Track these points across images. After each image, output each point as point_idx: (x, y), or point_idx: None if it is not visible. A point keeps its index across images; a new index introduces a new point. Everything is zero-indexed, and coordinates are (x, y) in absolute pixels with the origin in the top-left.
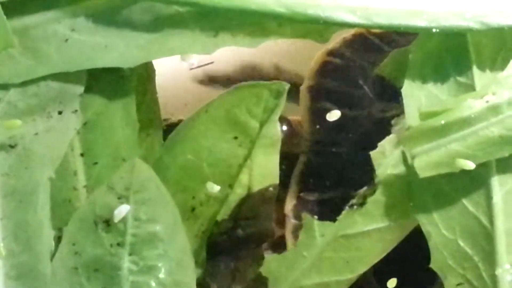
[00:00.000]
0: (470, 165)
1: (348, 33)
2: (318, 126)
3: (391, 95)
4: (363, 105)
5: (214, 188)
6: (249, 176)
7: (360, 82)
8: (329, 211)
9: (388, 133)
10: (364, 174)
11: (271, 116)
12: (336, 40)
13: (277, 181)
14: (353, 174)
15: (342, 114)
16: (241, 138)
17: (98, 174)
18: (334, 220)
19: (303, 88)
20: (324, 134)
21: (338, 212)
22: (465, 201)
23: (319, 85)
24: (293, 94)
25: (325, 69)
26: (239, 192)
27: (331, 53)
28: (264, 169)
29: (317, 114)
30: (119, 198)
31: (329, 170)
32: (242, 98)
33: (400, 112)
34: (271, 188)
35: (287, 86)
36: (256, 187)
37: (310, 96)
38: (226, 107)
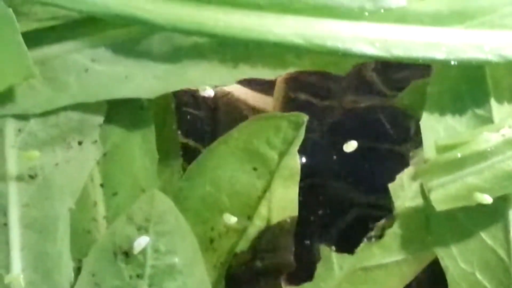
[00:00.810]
0: (487, 199)
1: None
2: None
3: (365, 88)
4: (335, 96)
5: (232, 219)
6: (268, 208)
7: (336, 76)
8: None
9: (359, 123)
10: (335, 159)
11: (290, 148)
12: None
13: (296, 213)
14: (325, 160)
15: (315, 104)
16: (260, 170)
17: (118, 204)
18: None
19: (279, 80)
20: None
21: (313, 199)
22: (483, 234)
23: (295, 77)
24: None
25: None
26: (258, 224)
27: None
28: (283, 202)
29: (290, 104)
30: (138, 230)
31: (301, 156)
32: (261, 129)
33: (373, 105)
34: (289, 220)
35: (306, 117)
36: (275, 219)
37: (285, 87)
38: (245, 138)
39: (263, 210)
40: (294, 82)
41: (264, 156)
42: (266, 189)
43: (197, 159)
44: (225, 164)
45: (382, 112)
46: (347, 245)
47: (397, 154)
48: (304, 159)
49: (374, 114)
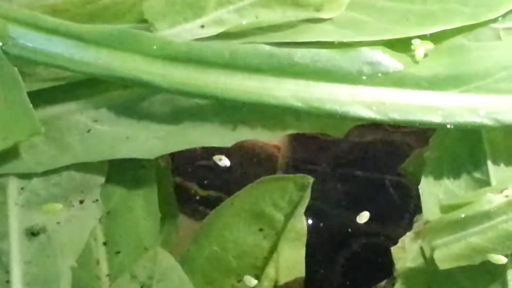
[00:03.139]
0: (502, 259)
1: None
2: (297, 148)
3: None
4: None
5: (252, 282)
6: (275, 269)
7: None
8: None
9: (364, 154)
10: (339, 190)
11: (297, 210)
12: None
13: (303, 274)
14: (331, 190)
15: (321, 138)
16: (266, 230)
17: (121, 263)
18: None
19: None
20: (302, 154)
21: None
22: None
23: None
24: None
25: None
26: (265, 285)
27: None
28: (290, 263)
29: (297, 138)
30: (142, 287)
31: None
32: (267, 191)
33: (375, 139)
34: (297, 281)
35: (311, 179)
36: (282, 280)
37: None
38: (251, 200)
39: (270, 271)
40: None
41: (270, 217)
42: (272, 250)
43: (204, 220)
44: (232, 225)
45: (385, 145)
46: None
47: (403, 187)
48: (310, 221)
49: (377, 148)
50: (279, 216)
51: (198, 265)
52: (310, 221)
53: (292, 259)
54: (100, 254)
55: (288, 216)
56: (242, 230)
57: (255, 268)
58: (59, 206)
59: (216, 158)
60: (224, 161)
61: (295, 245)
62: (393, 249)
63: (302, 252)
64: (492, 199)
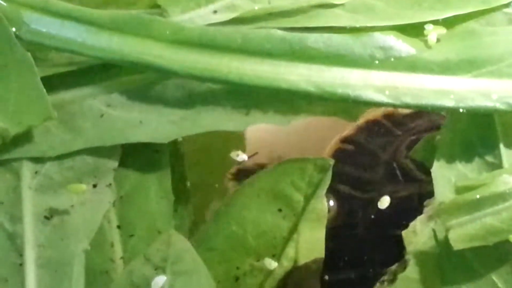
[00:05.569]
0: None
1: (361, 120)
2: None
3: (400, 177)
4: (374, 188)
5: (272, 264)
6: (295, 250)
7: (372, 166)
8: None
9: (399, 213)
10: (381, 252)
11: (317, 192)
12: (349, 127)
13: (322, 255)
14: (370, 254)
15: (356, 196)
16: (286, 211)
17: (134, 246)
18: None
19: None
20: (338, 217)
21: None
22: (494, 278)
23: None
24: None
25: (338, 155)
26: (285, 265)
27: (344, 140)
28: (310, 244)
29: (330, 197)
30: (155, 269)
31: (346, 251)
32: (287, 172)
33: (409, 194)
34: (316, 262)
35: (332, 161)
36: (302, 261)
37: None
38: (271, 181)
39: (290, 251)
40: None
41: (289, 197)
42: (292, 230)
43: (224, 200)
44: (251, 205)
45: (422, 199)
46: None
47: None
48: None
49: (415, 202)
50: (298, 197)
51: (216, 245)
52: (331, 203)
53: (312, 240)
54: (114, 237)
55: (308, 197)
56: (262, 210)
57: (274, 248)
58: (83, 186)
59: (233, 153)
60: (242, 156)
61: (315, 226)
62: (404, 233)
63: (322, 233)
64: (507, 181)
